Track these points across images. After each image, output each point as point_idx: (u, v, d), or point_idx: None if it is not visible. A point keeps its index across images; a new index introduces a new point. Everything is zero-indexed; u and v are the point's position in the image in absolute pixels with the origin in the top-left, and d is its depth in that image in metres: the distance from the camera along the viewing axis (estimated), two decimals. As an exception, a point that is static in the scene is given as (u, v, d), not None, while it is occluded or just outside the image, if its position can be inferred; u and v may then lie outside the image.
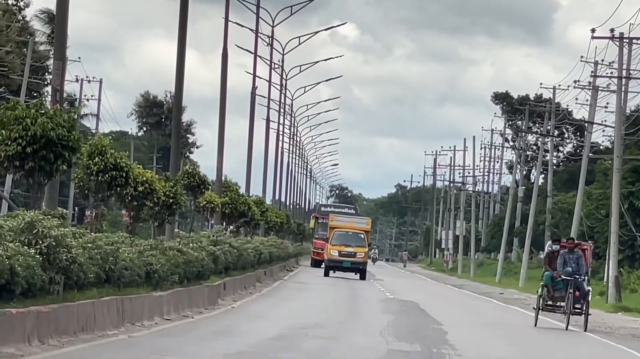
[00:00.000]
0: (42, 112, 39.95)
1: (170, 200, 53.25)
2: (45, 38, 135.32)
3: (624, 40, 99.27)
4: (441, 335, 47.75)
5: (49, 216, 36.51)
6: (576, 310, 47.41)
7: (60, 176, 43.30)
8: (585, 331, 47.07)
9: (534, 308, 51.74)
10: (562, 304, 48.43)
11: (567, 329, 47.02)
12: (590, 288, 48.62)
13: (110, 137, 63.36)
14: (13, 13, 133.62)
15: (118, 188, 47.51)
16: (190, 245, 55.75)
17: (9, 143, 37.35)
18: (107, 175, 46.16)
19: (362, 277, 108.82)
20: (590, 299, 48.01)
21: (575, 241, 51.89)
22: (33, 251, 32.58)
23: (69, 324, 33.83)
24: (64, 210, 42.81)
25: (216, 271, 58.98)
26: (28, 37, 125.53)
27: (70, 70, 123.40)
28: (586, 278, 48.62)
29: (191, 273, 51.98)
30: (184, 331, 41.13)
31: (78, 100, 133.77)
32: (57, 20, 43.87)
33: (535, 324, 50.34)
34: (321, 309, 58.12)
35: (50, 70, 50.94)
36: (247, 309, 56.39)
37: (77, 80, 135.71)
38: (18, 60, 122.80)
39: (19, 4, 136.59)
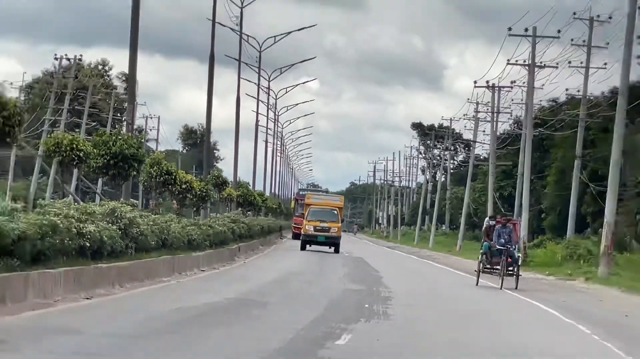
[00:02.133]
0: (120, 137, 40.10)
1: (204, 194, 53.36)
2: (122, 90, 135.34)
3: (495, 88, 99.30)
4: (378, 279, 47.61)
5: (125, 205, 36.57)
6: (509, 272, 42.42)
7: (132, 179, 43.48)
8: (516, 288, 41.87)
9: (475, 271, 45.25)
10: (498, 268, 43.16)
11: (501, 288, 41.85)
12: (520, 255, 44.41)
13: (164, 154, 63.73)
14: (102, 75, 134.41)
15: (169, 186, 47.65)
16: (217, 222, 56.09)
17: (99, 158, 37.37)
18: (161, 178, 46.28)
19: (336, 251, 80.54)
20: (520, 263, 43.69)
21: (507, 218, 47.26)
22: (115, 227, 32.67)
23: (138, 274, 33.89)
24: (135, 201, 42.87)
25: (233, 239, 59.16)
26: (111, 89, 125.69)
27: (138, 110, 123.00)
28: (516, 246, 43.83)
29: (217, 240, 52.18)
30: (213, 277, 41.09)
31: (144, 130, 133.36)
32: (129, 78, 43.76)
33: (477, 284, 43.90)
34: (301, 264, 57.52)
35: (125, 110, 51.27)
36: (253, 264, 56.10)
37: (143, 117, 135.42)
38: (106, 105, 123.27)
39: (105, 68, 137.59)
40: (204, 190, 54.00)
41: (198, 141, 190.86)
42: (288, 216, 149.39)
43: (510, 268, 42.49)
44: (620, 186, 79.57)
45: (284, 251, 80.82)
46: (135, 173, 40.57)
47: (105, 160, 37.16)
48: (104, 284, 30.11)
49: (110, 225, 32.34)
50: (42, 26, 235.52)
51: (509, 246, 42.42)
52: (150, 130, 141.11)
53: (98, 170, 38.55)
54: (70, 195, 44.07)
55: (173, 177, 46.71)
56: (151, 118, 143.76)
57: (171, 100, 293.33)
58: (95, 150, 37.23)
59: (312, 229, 78.93)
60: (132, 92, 46.65)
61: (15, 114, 25.17)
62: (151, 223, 37.98)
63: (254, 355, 18.86)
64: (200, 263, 44.75)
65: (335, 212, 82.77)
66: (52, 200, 33.82)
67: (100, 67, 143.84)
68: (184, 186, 48.05)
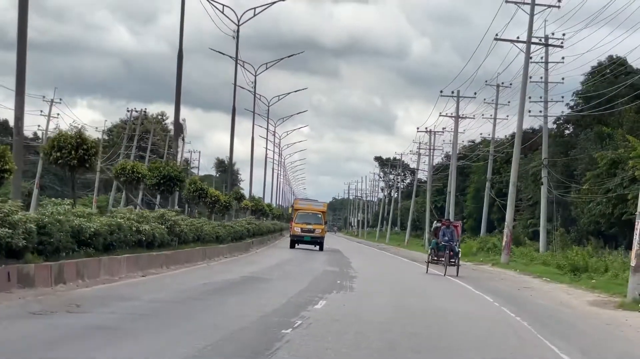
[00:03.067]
0: (169, 165, 39.79)
1: (227, 204, 53.10)
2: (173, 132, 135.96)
3: (431, 133, 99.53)
4: (349, 263, 47.22)
5: (171, 211, 36.34)
6: (451, 263, 39.31)
7: (177, 193, 43.19)
8: (457, 275, 38.40)
9: (426, 261, 41.99)
10: (442, 259, 40.21)
11: (445, 275, 38.58)
12: (460, 249, 41.30)
13: (197, 176, 63.78)
14: (160, 122, 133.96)
15: (202, 199, 47.30)
16: (237, 224, 55.70)
17: (153, 179, 37.09)
18: (197, 193, 45.91)
19: (321, 248, 69.43)
20: (460, 256, 40.72)
21: (450, 221, 43.69)
22: (163, 226, 32.46)
23: (179, 259, 33.60)
24: (178, 208, 42.54)
25: (248, 236, 58.67)
26: (167, 133, 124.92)
27: (185, 147, 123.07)
28: (457, 243, 40.98)
29: (237, 236, 51.73)
30: (233, 262, 40.61)
31: (189, 160, 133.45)
32: (175, 124, 43.45)
33: (427, 272, 40.53)
34: (294, 254, 56.43)
35: (172, 147, 50.64)
36: (262, 253, 55.05)
37: (188, 152, 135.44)
38: (162, 143, 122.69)
39: (163, 117, 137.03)
40: (228, 202, 53.78)
41: (225, 168, 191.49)
42: (288, 220, 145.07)
43: (453, 260, 39.54)
44: (517, 201, 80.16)
45: (283, 245, 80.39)
46: (178, 189, 40.30)
47: (157, 180, 37.01)
48: (155, 266, 29.92)
49: (160, 225, 32.19)
50: (118, 88, 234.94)
51: (451, 242, 39.66)
52: (194, 161, 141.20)
53: (152, 187, 38.31)
54: (137, 206, 43.91)
55: (205, 192, 46.41)
56: (194, 152, 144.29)
57: (208, 140, 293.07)
58: (149, 173, 36.98)
59: (299, 230, 67.12)
60: (176, 134, 46.36)
61: (92, 148, 25.06)
62: (189, 224, 37.80)
63: (255, 314, 18.68)
64: (224, 252, 44.33)
65: (320, 216, 69.36)
66: (124, 208, 33.57)
67: (159, 116, 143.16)
68: (213, 198, 47.73)
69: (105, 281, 23.93)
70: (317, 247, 66.87)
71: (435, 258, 40.97)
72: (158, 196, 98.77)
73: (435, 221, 45.77)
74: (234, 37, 51.10)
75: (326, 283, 29.95)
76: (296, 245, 67.29)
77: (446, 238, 39.74)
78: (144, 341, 14.19)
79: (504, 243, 55.39)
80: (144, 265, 28.49)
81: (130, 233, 27.68)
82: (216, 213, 53.46)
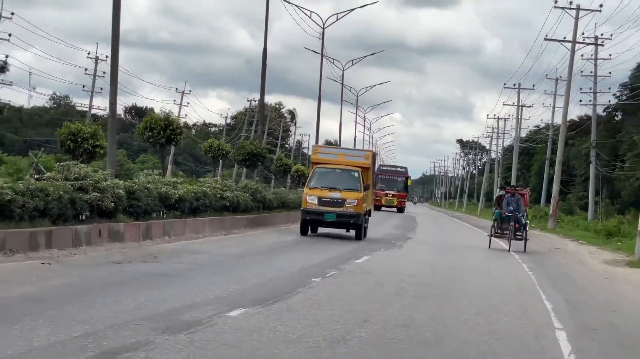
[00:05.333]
0: (253, 144, 39.84)
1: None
2: (289, 119, 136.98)
3: (499, 119, 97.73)
4: (414, 228, 46.16)
5: (252, 181, 36.60)
6: (517, 237, 29.69)
7: (261, 167, 43.13)
8: (524, 251, 29.27)
9: (488, 235, 31.70)
10: (507, 232, 30.03)
11: (509, 251, 29.18)
12: (527, 221, 30.85)
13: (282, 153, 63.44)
14: (277, 109, 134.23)
15: (287, 172, 47.32)
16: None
17: (239, 155, 37.33)
18: (282, 167, 45.93)
19: (358, 236, 29.69)
20: (528, 229, 30.59)
21: (516, 188, 31.69)
22: (248, 194, 32.75)
23: (262, 222, 33.55)
24: (257, 179, 42.43)
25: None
26: (281, 118, 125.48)
27: (298, 131, 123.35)
28: (524, 214, 30.35)
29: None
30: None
31: (300, 142, 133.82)
32: (260, 109, 43.52)
33: (489, 247, 30.67)
34: (375, 218, 49.36)
35: (288, 131, 50.81)
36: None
37: (300, 135, 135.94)
38: (277, 127, 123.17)
39: (279, 106, 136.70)
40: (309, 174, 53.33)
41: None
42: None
43: (519, 233, 29.96)
44: (572, 176, 78.97)
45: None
46: (260, 164, 40.19)
47: (243, 157, 37.20)
48: (239, 228, 30.10)
49: (244, 193, 32.47)
50: (241, 81, 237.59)
51: (516, 213, 29.77)
52: (305, 142, 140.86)
53: (238, 163, 38.53)
54: (256, 180, 43.49)
55: (289, 167, 46.49)
56: (304, 136, 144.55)
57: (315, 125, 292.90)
58: (233, 151, 37.24)
59: (315, 201, 29.28)
60: (262, 117, 46.36)
61: (177, 128, 25.49)
62: (274, 193, 37.96)
63: (298, 267, 18.73)
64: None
65: (356, 175, 30.22)
66: (211, 179, 33.95)
67: (276, 105, 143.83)
68: (298, 172, 47.74)
69: (189, 238, 24.25)
70: (353, 232, 30.67)
71: (499, 231, 30.93)
72: (244, 170, 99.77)
73: (499, 189, 35.88)
74: (319, 39, 50.99)
75: (381, 243, 29.37)
76: (310, 229, 30.79)
77: (511, 207, 30.00)
78: (188, 285, 14.32)
79: (550, 212, 55.48)
80: (228, 226, 28.75)
81: (215, 199, 28.00)
82: (299, 186, 52.86)
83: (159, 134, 24.70)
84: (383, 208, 68.70)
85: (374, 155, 35.03)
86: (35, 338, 8.88)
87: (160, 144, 24.88)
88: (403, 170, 75.02)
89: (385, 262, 21.94)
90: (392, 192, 69.47)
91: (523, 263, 24.81)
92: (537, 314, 13.89)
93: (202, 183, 29.58)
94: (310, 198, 29.00)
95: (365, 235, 30.60)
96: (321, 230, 32.30)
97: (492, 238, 31.04)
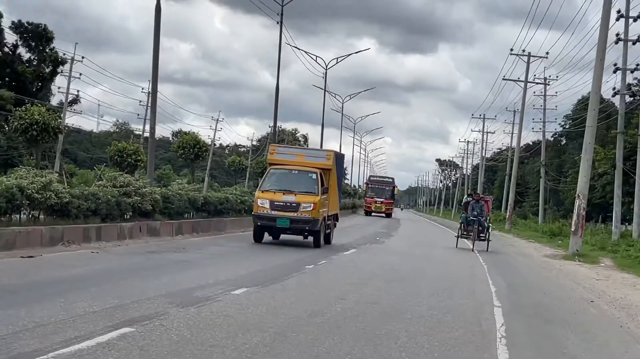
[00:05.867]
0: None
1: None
2: (303, 142, 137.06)
3: (468, 143, 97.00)
4: (397, 227, 45.96)
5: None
6: (481, 237, 27.65)
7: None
8: (487, 250, 27.21)
9: (455, 236, 29.68)
10: (472, 234, 27.31)
11: (473, 250, 26.66)
12: (490, 225, 28.96)
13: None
14: (293, 134, 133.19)
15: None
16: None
17: (258, 169, 36.85)
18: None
19: (316, 243, 21.01)
20: (490, 231, 28.64)
21: (480, 195, 29.17)
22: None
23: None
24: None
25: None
26: (296, 141, 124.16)
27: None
28: (487, 218, 28.21)
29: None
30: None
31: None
32: (273, 132, 43.29)
33: (457, 246, 28.43)
34: (364, 220, 52.49)
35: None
36: (342, 221, 43.90)
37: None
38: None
39: (295, 131, 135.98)
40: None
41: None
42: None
43: (482, 235, 28.05)
44: (526, 188, 78.94)
45: (360, 217, 79.28)
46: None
47: (260, 170, 36.65)
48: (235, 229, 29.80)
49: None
50: (264, 111, 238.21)
51: (480, 217, 27.84)
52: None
53: (257, 175, 38.12)
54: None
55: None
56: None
57: (324, 147, 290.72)
58: (253, 164, 36.87)
59: (267, 205, 20.48)
60: (274, 136, 45.80)
61: (203, 146, 25.50)
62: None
63: (296, 257, 18.60)
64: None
65: (314, 177, 21.02)
66: (232, 187, 33.62)
67: (292, 130, 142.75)
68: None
69: (213, 234, 24.23)
70: (311, 239, 22.61)
71: (465, 233, 29.07)
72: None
73: (466, 196, 32.88)
74: (323, 78, 51.09)
75: (368, 239, 29.15)
76: (264, 235, 21.91)
77: (475, 212, 28.16)
78: (205, 270, 14.24)
79: (507, 216, 55.61)
80: (246, 225, 28.12)
81: (235, 203, 27.93)
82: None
83: (189, 151, 24.81)
84: (373, 214, 65.20)
85: (338, 156, 25.32)
86: (75, 309, 8.92)
87: (190, 159, 24.95)
88: (390, 180, 70.15)
89: (368, 254, 21.71)
90: (380, 200, 65.27)
91: (480, 256, 24.66)
92: (481, 294, 13.84)
93: (225, 191, 29.56)
94: (262, 202, 20.65)
95: (329, 242, 23.17)
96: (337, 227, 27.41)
97: (459, 238, 29.46)
